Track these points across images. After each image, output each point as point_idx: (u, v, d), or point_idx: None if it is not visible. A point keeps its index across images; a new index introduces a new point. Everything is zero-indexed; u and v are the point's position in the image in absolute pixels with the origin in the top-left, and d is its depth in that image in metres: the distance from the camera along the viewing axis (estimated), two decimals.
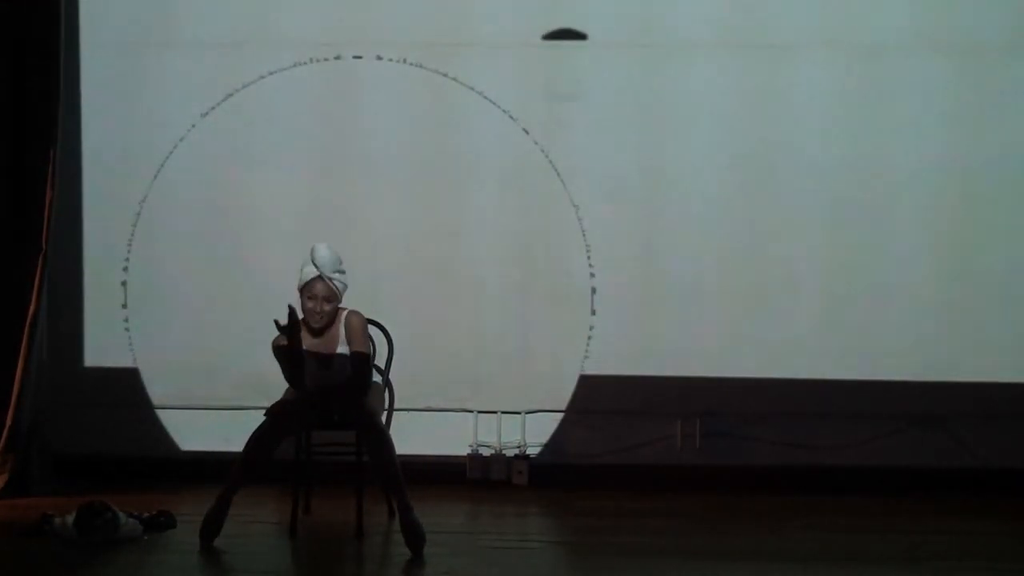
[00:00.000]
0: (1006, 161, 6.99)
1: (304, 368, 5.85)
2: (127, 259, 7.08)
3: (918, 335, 7.01)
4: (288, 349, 5.74)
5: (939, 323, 7.02)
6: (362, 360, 5.90)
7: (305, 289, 5.85)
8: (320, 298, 5.85)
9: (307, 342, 5.87)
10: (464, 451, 7.13)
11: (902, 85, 6.99)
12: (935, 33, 6.99)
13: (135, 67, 7.07)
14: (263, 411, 5.90)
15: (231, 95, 7.05)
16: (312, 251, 5.85)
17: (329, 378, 5.91)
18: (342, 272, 5.89)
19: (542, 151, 7.04)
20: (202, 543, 5.81)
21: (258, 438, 5.86)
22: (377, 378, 6.23)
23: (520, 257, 7.08)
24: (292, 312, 5.67)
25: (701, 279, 7.05)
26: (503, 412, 7.13)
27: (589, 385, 7.06)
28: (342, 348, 5.93)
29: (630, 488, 6.94)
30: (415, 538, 5.73)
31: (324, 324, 5.89)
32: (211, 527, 5.84)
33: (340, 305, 5.93)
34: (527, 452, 7.13)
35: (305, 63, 7.05)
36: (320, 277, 5.82)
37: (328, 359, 5.90)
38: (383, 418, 6.11)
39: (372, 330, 6.34)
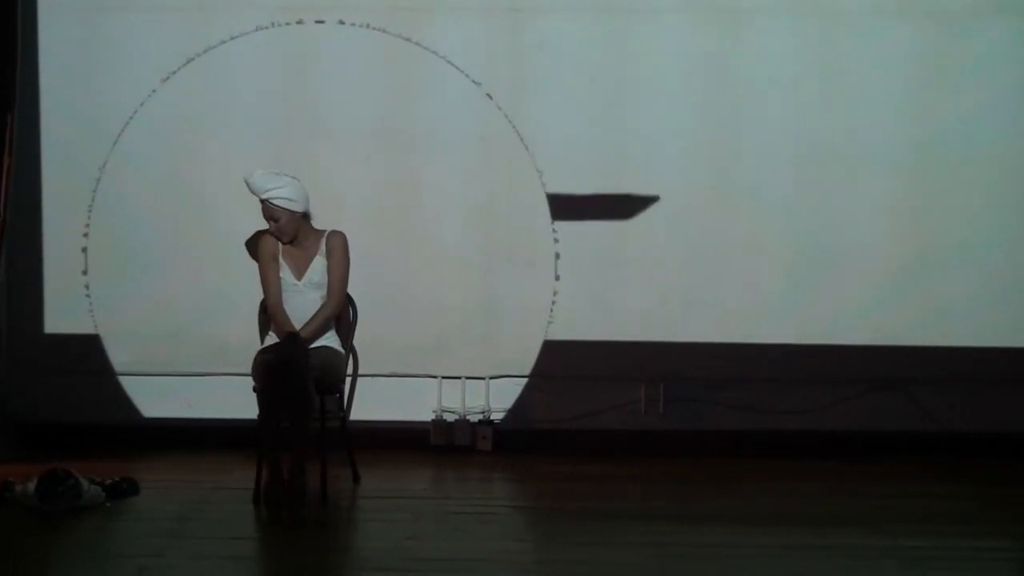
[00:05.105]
0: (966, 127, 7.00)
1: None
2: (87, 225, 7.02)
3: (879, 300, 7.05)
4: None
5: (899, 288, 7.06)
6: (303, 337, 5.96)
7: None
8: (271, 219, 6.03)
9: (284, 250, 6.08)
10: (428, 417, 7.13)
11: (864, 51, 7.00)
12: None
13: (94, 31, 6.99)
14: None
15: (192, 60, 6.99)
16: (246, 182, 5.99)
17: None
18: (280, 187, 5.96)
19: (506, 116, 7.02)
20: (269, 513, 5.80)
21: (263, 423, 5.81)
22: (338, 344, 6.22)
23: (484, 222, 7.07)
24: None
25: (664, 244, 7.06)
26: (467, 377, 7.13)
27: (553, 350, 7.07)
28: (318, 266, 6.05)
29: (594, 453, 6.97)
30: (299, 499, 5.74)
31: (291, 237, 6.05)
32: (273, 494, 5.81)
33: (313, 222, 6.13)
34: (491, 417, 7.14)
35: (267, 27, 6.99)
36: (263, 202, 5.98)
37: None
38: (347, 385, 6.13)
39: None
